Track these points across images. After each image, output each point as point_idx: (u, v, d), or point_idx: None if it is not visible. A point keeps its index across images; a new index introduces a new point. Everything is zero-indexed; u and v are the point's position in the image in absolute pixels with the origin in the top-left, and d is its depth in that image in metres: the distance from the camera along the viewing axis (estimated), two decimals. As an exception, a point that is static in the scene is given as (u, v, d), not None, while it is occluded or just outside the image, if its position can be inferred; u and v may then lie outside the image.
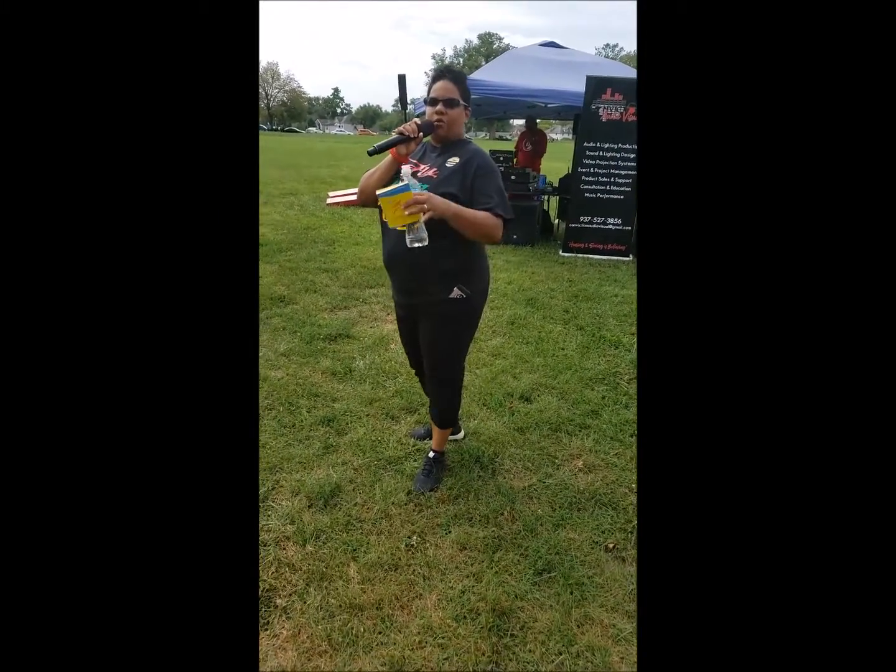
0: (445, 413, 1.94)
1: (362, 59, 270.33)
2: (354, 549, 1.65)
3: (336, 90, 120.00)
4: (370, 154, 1.58)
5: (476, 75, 6.14)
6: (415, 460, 2.10)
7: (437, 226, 1.51)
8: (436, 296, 1.69)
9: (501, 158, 6.52)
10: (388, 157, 1.61)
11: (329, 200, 8.49)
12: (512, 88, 5.70)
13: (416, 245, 1.49)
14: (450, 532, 1.74)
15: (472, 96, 5.70)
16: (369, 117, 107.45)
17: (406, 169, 1.50)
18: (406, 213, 1.43)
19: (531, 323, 3.66)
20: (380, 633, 1.38)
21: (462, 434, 2.32)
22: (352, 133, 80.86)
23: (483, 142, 41.16)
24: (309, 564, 1.59)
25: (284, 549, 1.65)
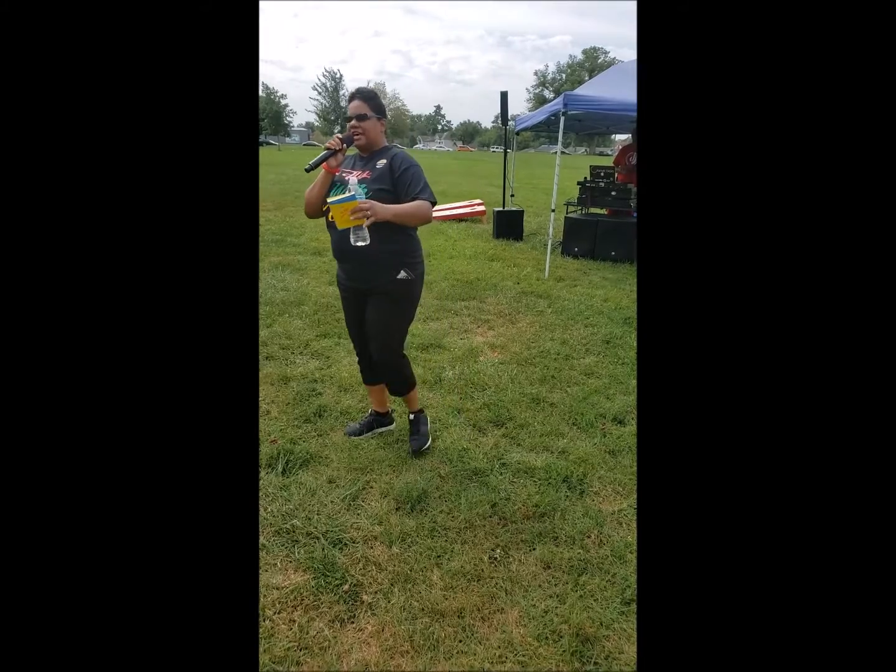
0: (397, 384, 2.22)
1: (465, 77, 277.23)
2: (438, 556, 1.68)
3: (438, 107, 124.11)
4: (307, 170, 1.91)
5: (578, 91, 6.08)
6: (501, 474, 2.10)
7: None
8: (386, 277, 1.98)
9: (602, 174, 6.38)
10: (322, 171, 1.94)
11: (426, 214, 8.74)
12: (616, 103, 5.56)
13: (360, 244, 1.78)
14: (534, 549, 1.71)
15: (573, 112, 5.59)
16: (469, 133, 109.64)
17: (353, 180, 1.79)
18: (352, 218, 1.71)
19: (628, 343, 3.52)
20: (460, 641, 1.39)
21: (392, 426, 2.43)
22: (450, 150, 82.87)
23: (582, 157, 40.42)
24: (394, 565, 1.63)
25: (372, 547, 1.71)
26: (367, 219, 1.71)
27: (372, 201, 1.73)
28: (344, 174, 1.96)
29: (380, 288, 2.01)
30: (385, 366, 2.14)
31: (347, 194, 1.73)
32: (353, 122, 1.94)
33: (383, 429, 2.39)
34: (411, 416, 2.30)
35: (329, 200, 1.78)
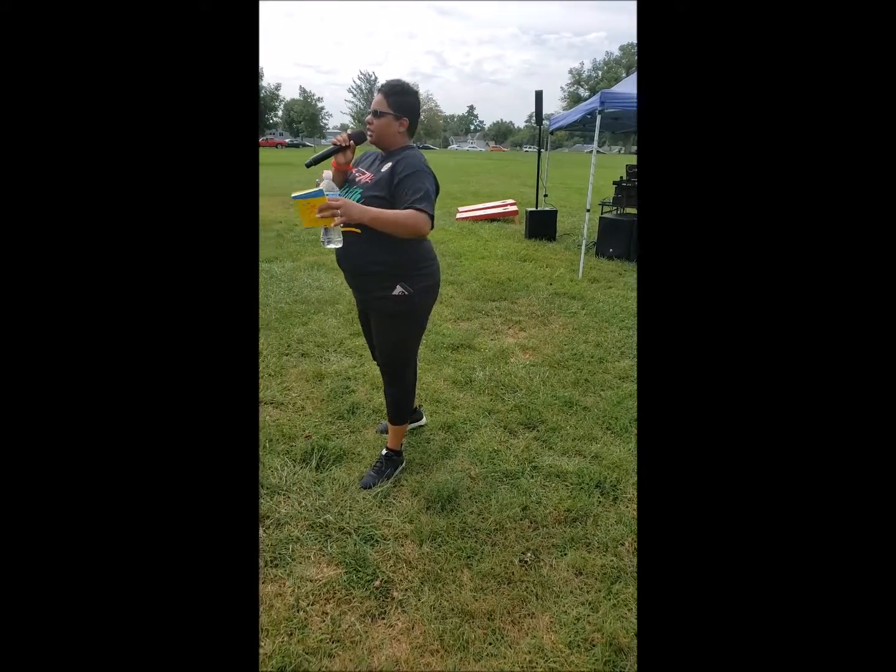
0: (395, 408, 2.03)
1: (498, 76, 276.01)
2: (468, 557, 1.67)
3: (471, 108, 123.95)
4: (307, 166, 1.77)
5: (616, 88, 5.98)
6: (532, 477, 2.08)
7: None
8: (378, 292, 1.79)
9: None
10: (333, 169, 1.75)
11: (458, 215, 8.76)
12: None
13: (330, 246, 1.59)
14: (565, 554, 1.69)
15: (609, 109, 5.46)
16: (501, 133, 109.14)
17: (326, 174, 1.58)
18: (318, 216, 1.49)
19: (662, 346, 3.45)
20: (490, 644, 1.38)
21: (424, 421, 2.43)
22: (483, 150, 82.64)
23: (617, 157, 39.67)
24: (424, 564, 1.64)
25: (402, 545, 1.72)
26: (337, 218, 1.49)
27: (346, 199, 1.53)
28: (356, 174, 1.81)
29: (374, 304, 1.84)
30: (386, 383, 2.01)
31: (314, 189, 1.53)
32: (369, 116, 1.76)
33: (414, 424, 2.39)
34: (384, 452, 2.09)
35: (293, 196, 1.53)
